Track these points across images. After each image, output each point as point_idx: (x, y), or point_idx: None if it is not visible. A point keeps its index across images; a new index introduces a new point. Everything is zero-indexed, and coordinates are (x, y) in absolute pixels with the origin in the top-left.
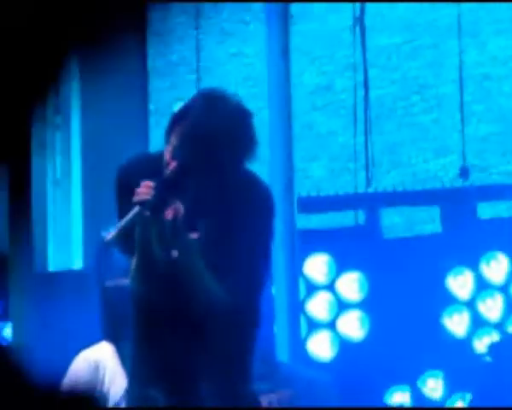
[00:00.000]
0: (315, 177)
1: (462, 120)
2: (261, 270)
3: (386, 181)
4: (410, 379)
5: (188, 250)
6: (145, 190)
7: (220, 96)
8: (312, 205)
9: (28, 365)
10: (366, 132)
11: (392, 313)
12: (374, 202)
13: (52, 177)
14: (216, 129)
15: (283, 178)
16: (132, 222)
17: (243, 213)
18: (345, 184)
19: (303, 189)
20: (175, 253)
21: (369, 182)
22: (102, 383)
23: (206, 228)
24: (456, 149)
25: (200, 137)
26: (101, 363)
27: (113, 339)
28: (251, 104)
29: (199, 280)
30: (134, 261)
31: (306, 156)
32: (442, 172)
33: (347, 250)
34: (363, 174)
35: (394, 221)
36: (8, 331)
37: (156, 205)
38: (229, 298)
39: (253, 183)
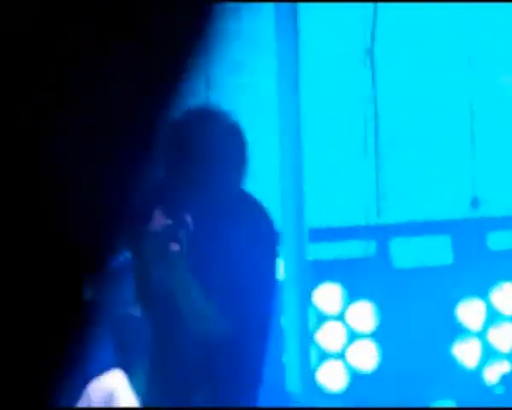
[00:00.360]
0: (325, 208)
1: (474, 151)
2: (256, 293)
3: (397, 212)
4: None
5: (176, 267)
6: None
7: (213, 112)
8: (323, 236)
9: None
10: (376, 164)
11: (404, 343)
12: (384, 233)
13: None
14: (208, 144)
15: (294, 209)
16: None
17: (232, 233)
18: (355, 216)
19: (314, 220)
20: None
21: (379, 213)
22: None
23: (194, 243)
24: (467, 182)
25: (192, 151)
26: (115, 392)
27: (125, 368)
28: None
29: (192, 302)
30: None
31: (317, 188)
32: (453, 204)
33: (358, 280)
34: (374, 206)
35: (405, 251)
36: None
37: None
38: (222, 321)
39: (249, 205)
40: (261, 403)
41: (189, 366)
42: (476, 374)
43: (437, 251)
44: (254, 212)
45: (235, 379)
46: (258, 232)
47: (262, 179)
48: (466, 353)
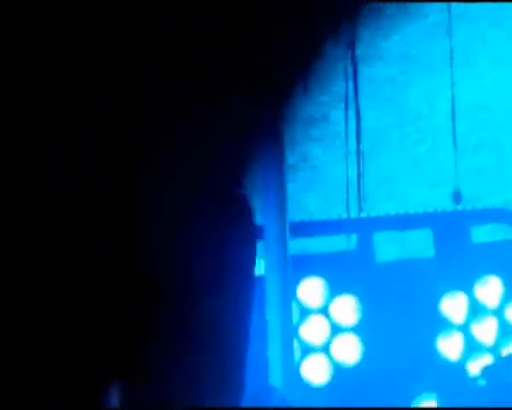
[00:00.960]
0: (309, 207)
1: (456, 151)
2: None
3: (379, 206)
4: (405, 402)
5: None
6: None
7: None
8: (305, 230)
9: None
10: (359, 163)
11: (387, 336)
12: (366, 226)
13: None
14: None
15: (275, 203)
16: None
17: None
18: (337, 209)
19: (297, 217)
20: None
21: (361, 206)
22: None
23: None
24: (450, 181)
25: None
26: None
27: None
28: None
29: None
30: None
31: (301, 187)
32: (436, 203)
33: (341, 274)
34: (356, 205)
35: (387, 245)
36: None
37: None
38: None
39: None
40: (244, 398)
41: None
42: (459, 367)
43: (419, 244)
44: (233, 206)
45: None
46: (238, 227)
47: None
48: (449, 346)
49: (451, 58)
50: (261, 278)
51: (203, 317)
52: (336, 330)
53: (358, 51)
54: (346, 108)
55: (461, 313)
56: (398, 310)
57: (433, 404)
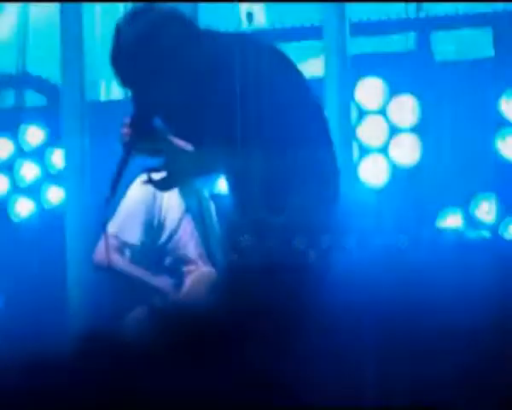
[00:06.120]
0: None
1: None
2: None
3: (438, 4)
4: (463, 203)
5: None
6: (124, 130)
7: (142, 8)
8: (364, 29)
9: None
10: None
11: (445, 137)
12: (425, 25)
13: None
14: (134, 38)
15: (336, 5)
16: (120, 167)
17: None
18: (395, 8)
19: (353, 14)
20: None
21: (419, 5)
22: (160, 208)
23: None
24: None
25: (125, 51)
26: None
27: None
28: None
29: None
30: None
31: None
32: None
33: (399, 74)
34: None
35: (446, 44)
36: (55, 157)
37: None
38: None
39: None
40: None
41: None
42: None
43: (478, 44)
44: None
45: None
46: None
47: None
48: (508, 145)
49: None
50: (320, 80)
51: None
52: (394, 130)
53: None
54: None
55: None
56: (457, 110)
57: (493, 203)
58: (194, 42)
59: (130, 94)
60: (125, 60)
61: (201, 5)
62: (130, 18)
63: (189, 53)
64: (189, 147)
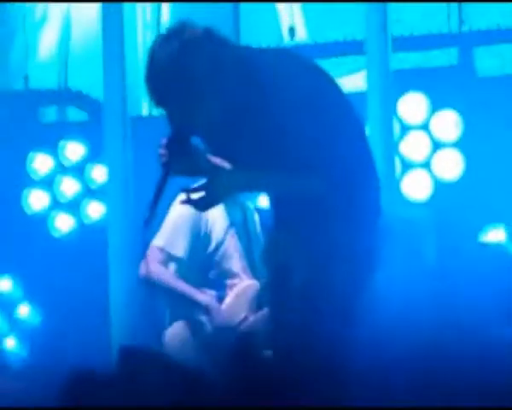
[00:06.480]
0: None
1: None
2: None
3: (481, 19)
4: (506, 218)
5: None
6: (161, 150)
7: (175, 29)
8: (406, 45)
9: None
10: None
11: (488, 152)
12: (468, 41)
13: (143, 20)
14: (169, 62)
15: (379, 20)
16: (159, 187)
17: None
18: (438, 23)
19: (396, 30)
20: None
21: (461, 20)
22: (206, 222)
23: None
24: None
25: (158, 76)
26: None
27: None
28: None
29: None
30: None
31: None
32: None
33: (442, 89)
34: (456, 12)
35: (489, 60)
36: (95, 173)
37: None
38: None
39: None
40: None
41: None
42: None
43: None
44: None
45: None
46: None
47: None
48: None
49: None
50: (363, 94)
51: None
52: (437, 145)
53: None
54: None
55: None
56: (499, 125)
57: None
58: (228, 61)
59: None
60: (158, 81)
61: (243, 21)
62: (164, 39)
63: (224, 73)
64: (227, 166)
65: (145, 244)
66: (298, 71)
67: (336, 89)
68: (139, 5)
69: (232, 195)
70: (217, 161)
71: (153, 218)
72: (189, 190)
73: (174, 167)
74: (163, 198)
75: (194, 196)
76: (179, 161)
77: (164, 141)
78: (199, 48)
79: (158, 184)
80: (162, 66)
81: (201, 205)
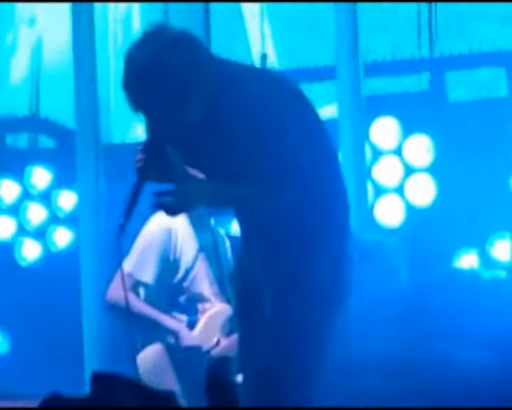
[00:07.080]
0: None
1: None
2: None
3: (451, 44)
4: (478, 242)
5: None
6: (138, 156)
7: (152, 32)
8: (378, 70)
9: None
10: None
11: (460, 176)
12: (439, 66)
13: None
14: (144, 65)
15: (349, 45)
16: (134, 193)
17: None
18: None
19: (368, 57)
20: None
21: (432, 45)
22: (175, 247)
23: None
24: None
25: (134, 79)
26: (173, 228)
27: None
28: None
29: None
30: None
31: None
32: (508, 41)
33: (413, 114)
34: (427, 38)
35: (460, 85)
36: (64, 200)
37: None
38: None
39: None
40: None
41: None
42: None
43: (492, 84)
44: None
45: None
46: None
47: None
48: None
49: None
50: (334, 121)
51: None
52: (409, 170)
53: None
54: None
55: None
56: (471, 150)
57: (507, 243)
58: (203, 66)
59: (143, 119)
60: (135, 84)
61: (214, 45)
62: (141, 42)
63: (199, 77)
64: (199, 175)
65: (119, 263)
66: (267, 86)
67: (306, 106)
68: (111, 31)
69: (200, 204)
70: (191, 170)
71: (127, 224)
72: (160, 193)
73: (149, 173)
74: (138, 205)
75: (165, 199)
76: (154, 166)
77: (140, 147)
78: (175, 51)
79: (133, 189)
80: (140, 68)
81: (170, 210)
